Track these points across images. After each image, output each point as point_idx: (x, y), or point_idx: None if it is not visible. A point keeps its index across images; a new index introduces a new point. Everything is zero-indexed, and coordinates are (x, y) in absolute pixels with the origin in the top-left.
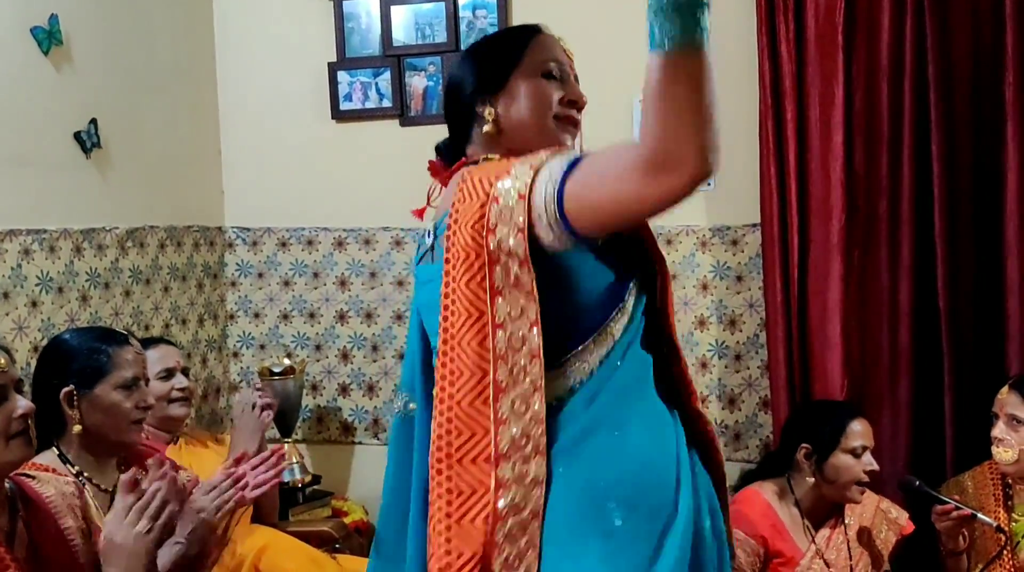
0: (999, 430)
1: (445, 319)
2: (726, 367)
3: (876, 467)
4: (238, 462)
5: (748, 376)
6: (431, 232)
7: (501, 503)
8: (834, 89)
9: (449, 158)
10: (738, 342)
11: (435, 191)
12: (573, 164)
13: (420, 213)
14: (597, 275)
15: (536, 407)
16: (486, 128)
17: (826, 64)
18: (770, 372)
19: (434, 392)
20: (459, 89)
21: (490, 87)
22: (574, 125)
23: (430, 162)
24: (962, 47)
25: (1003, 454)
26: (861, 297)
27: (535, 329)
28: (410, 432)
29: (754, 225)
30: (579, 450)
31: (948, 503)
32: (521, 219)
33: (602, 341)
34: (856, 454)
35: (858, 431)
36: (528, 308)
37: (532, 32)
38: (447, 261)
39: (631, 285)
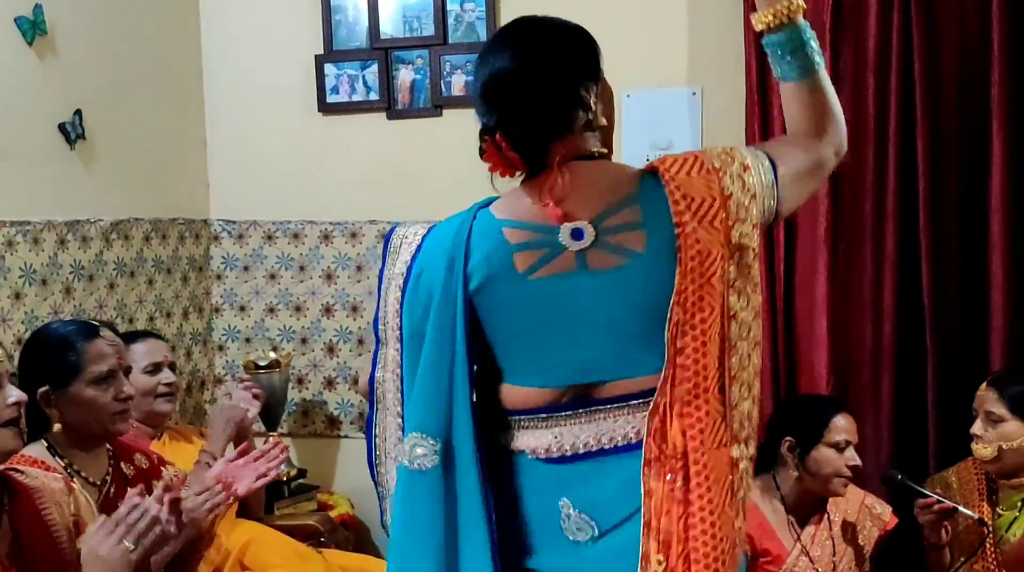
0: (977, 427)
1: (694, 316)
2: None
3: (858, 462)
4: (241, 455)
5: None
6: (579, 232)
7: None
8: None
9: (524, 144)
10: None
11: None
12: (769, 159)
13: (558, 215)
14: None
15: (755, 391)
16: (591, 117)
17: None
18: None
19: (679, 389)
20: (562, 69)
21: (592, 75)
22: None
23: (488, 143)
24: (948, 44)
25: (982, 450)
26: (846, 293)
27: (758, 319)
28: (433, 486)
29: None
30: None
31: (930, 497)
32: (755, 213)
33: None
34: (839, 448)
35: (842, 426)
36: (754, 298)
37: None
38: (682, 261)
39: None
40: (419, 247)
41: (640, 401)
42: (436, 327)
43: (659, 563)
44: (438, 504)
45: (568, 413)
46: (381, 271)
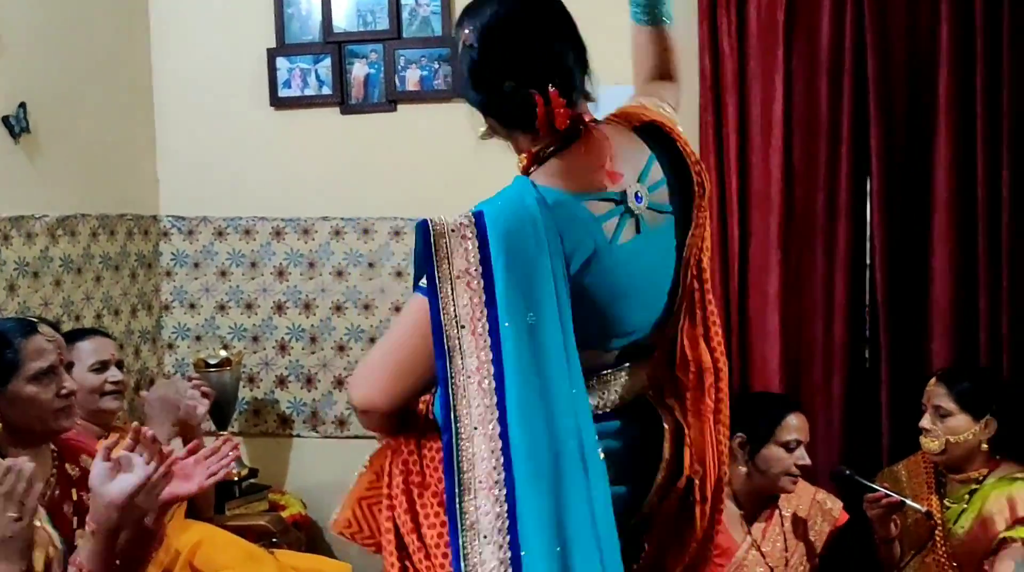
0: (926, 421)
1: (704, 252)
2: None
3: (808, 462)
4: (191, 453)
5: None
6: (638, 195)
7: None
8: (775, 84)
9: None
10: None
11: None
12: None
13: (618, 180)
14: None
15: None
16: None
17: (767, 60)
18: None
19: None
20: (578, 32)
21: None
22: None
23: (554, 92)
24: (899, 44)
25: (930, 444)
26: (798, 290)
27: None
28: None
29: None
30: None
31: (879, 491)
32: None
33: None
34: (789, 448)
35: (793, 425)
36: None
37: None
38: (703, 208)
39: None
40: (486, 236)
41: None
42: (548, 316)
43: (697, 472)
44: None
45: (611, 371)
46: (430, 271)
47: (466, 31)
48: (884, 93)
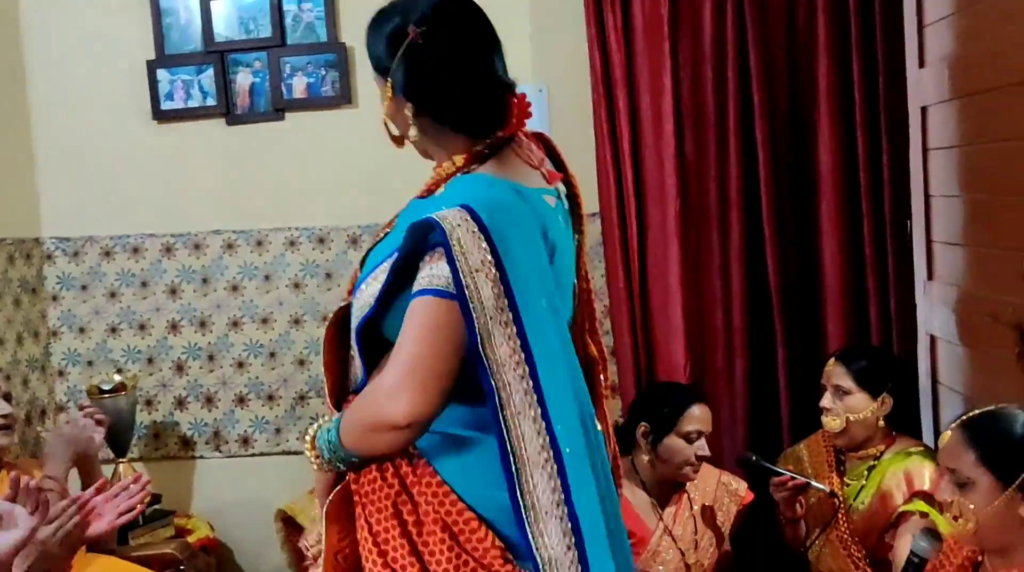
0: (826, 400)
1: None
2: None
3: (707, 453)
4: (99, 491)
5: None
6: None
7: None
8: (663, 78)
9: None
10: None
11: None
12: None
13: (552, 175)
14: None
15: None
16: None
17: (654, 54)
18: (616, 356)
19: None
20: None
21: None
22: None
23: (522, 96)
24: (779, 35)
25: (831, 423)
26: (697, 279)
27: None
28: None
29: (593, 214)
30: None
31: (783, 474)
32: None
33: None
34: (690, 439)
35: (696, 416)
36: None
37: None
38: (581, 215)
39: None
40: (490, 232)
41: None
42: (553, 305)
43: None
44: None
45: None
46: (454, 268)
47: (410, 26)
48: (766, 83)
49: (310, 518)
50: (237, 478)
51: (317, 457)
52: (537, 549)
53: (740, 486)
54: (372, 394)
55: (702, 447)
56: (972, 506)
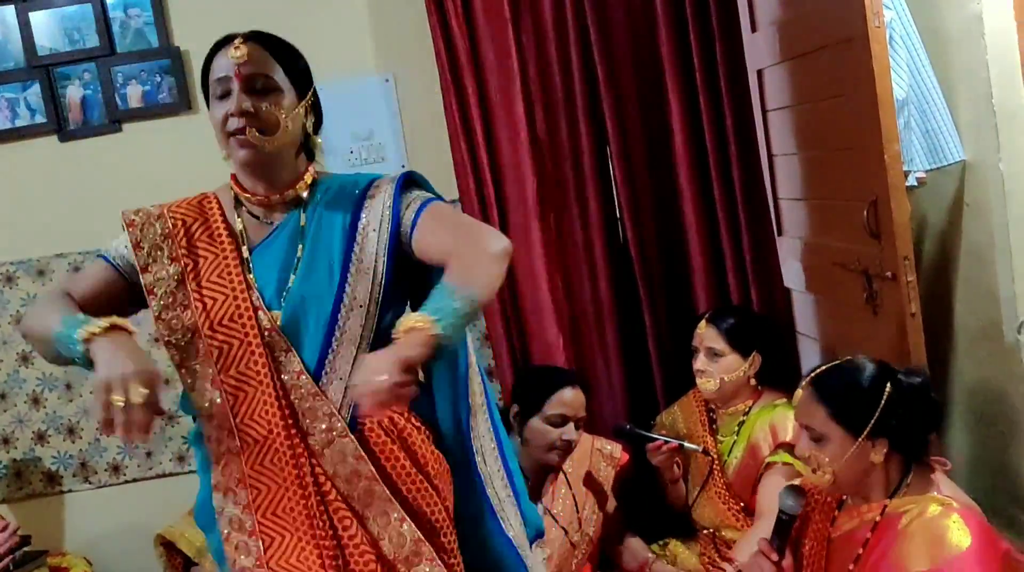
0: (701, 362)
1: None
2: None
3: (573, 438)
4: None
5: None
6: None
7: None
8: (509, 60)
9: None
10: None
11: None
12: None
13: None
14: None
15: None
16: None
17: (498, 36)
18: (490, 340)
19: None
20: None
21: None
22: (243, 138)
23: None
24: (618, 10)
25: (706, 384)
26: (562, 257)
27: None
28: None
29: (454, 200)
30: None
31: (657, 440)
32: None
33: None
34: (554, 423)
35: (564, 400)
36: None
37: (215, 50)
38: None
39: None
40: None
41: None
42: None
43: None
44: None
45: None
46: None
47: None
48: (610, 59)
49: (188, 540)
50: (110, 508)
51: (446, 334)
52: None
53: (615, 448)
54: (478, 250)
55: (568, 432)
56: (827, 459)
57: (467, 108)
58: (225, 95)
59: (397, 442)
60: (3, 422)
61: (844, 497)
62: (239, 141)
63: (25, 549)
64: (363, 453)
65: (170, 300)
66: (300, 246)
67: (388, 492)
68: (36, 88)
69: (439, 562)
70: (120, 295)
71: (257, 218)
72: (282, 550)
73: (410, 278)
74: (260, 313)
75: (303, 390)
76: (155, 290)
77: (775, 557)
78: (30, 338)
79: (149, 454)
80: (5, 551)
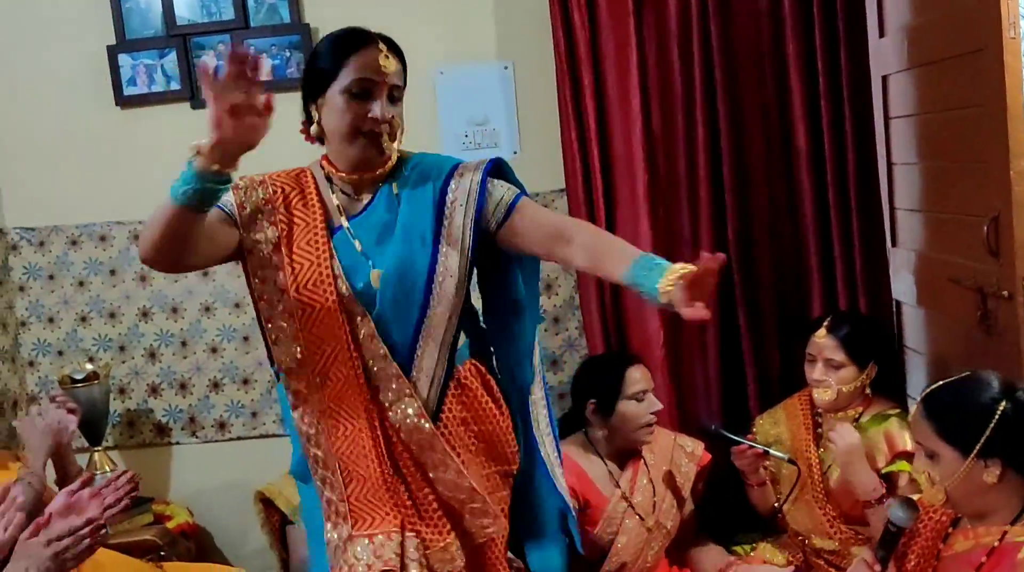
0: (818, 372)
1: None
2: (546, 330)
3: (659, 406)
4: (84, 485)
5: (568, 337)
6: None
7: None
8: (628, 54)
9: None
10: (555, 305)
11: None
12: None
13: None
14: None
15: None
16: (312, 129)
17: (618, 30)
18: (587, 332)
19: None
20: (303, 81)
21: (314, 94)
22: (377, 142)
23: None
24: (743, 9)
25: (824, 395)
26: (668, 251)
27: None
28: None
29: (560, 190)
30: None
31: (742, 443)
32: None
33: None
34: (638, 399)
35: (636, 377)
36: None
37: (356, 46)
38: None
39: None
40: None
41: None
42: None
43: None
44: None
45: None
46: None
47: None
48: (731, 58)
49: (286, 499)
50: (214, 463)
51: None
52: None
53: (697, 447)
54: (597, 231)
55: (653, 402)
56: (939, 477)
57: (582, 99)
58: (364, 95)
59: (462, 403)
60: (120, 373)
61: (959, 516)
62: (372, 142)
63: (132, 494)
64: (426, 413)
65: (267, 261)
66: (393, 217)
67: (447, 447)
68: (173, 56)
69: (492, 510)
70: (228, 240)
71: (348, 195)
72: (361, 488)
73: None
74: (339, 281)
75: (376, 352)
76: (253, 250)
77: (878, 568)
78: (152, 229)
79: (255, 414)
80: (124, 495)
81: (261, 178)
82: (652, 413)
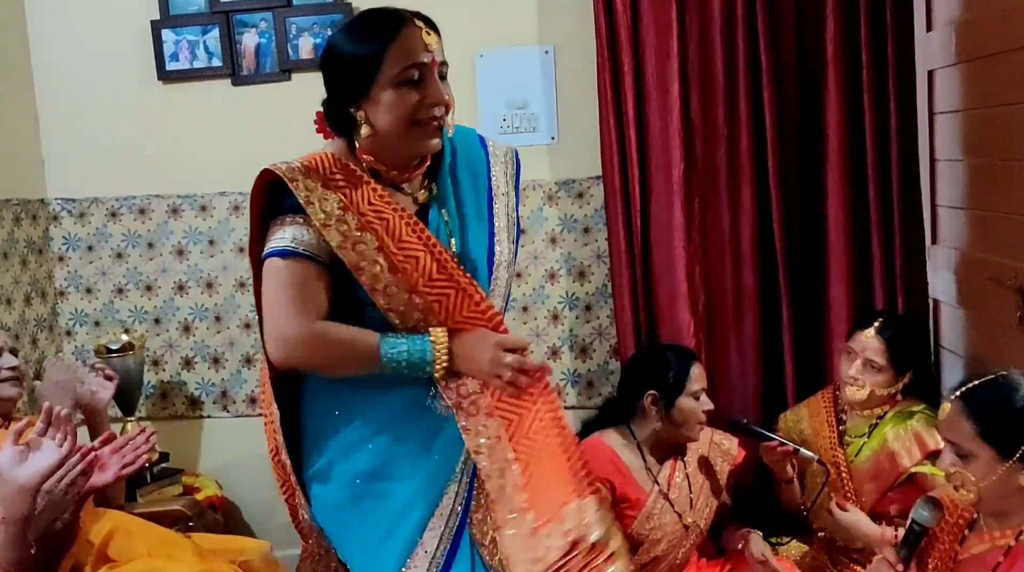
0: (856, 370)
1: None
2: (576, 318)
3: (711, 407)
4: (105, 443)
5: (598, 325)
6: None
7: None
8: (669, 41)
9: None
10: (587, 293)
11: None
12: None
13: None
14: None
15: None
16: (363, 131)
17: (660, 16)
18: (616, 320)
19: None
20: (334, 84)
21: (355, 95)
22: (437, 127)
23: (318, 114)
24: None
25: (856, 393)
26: (704, 243)
27: None
28: None
29: (597, 177)
30: None
31: (773, 440)
32: None
33: None
34: (697, 397)
35: (698, 374)
36: None
37: (393, 30)
38: None
39: None
40: None
41: None
42: None
43: None
44: None
45: None
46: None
47: None
48: (774, 47)
49: None
50: (244, 437)
51: None
52: None
53: (732, 445)
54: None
55: (707, 402)
56: (973, 477)
57: (621, 85)
58: (418, 81)
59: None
60: (156, 345)
61: (975, 517)
62: (431, 129)
63: (163, 465)
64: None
65: (344, 228)
66: (445, 210)
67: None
68: (215, 33)
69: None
70: (330, 285)
71: (399, 190)
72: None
73: None
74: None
75: None
76: (329, 224)
77: (900, 568)
78: (332, 360)
79: None
80: (144, 452)
81: (296, 164)
82: (705, 411)
